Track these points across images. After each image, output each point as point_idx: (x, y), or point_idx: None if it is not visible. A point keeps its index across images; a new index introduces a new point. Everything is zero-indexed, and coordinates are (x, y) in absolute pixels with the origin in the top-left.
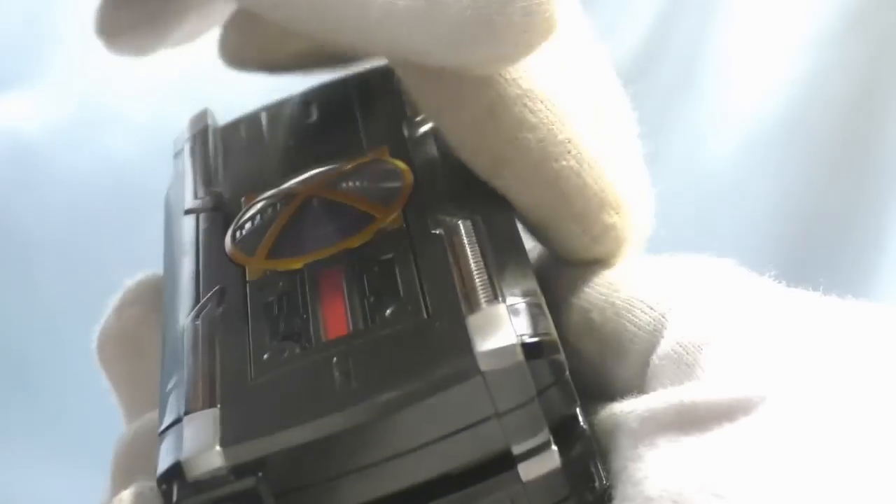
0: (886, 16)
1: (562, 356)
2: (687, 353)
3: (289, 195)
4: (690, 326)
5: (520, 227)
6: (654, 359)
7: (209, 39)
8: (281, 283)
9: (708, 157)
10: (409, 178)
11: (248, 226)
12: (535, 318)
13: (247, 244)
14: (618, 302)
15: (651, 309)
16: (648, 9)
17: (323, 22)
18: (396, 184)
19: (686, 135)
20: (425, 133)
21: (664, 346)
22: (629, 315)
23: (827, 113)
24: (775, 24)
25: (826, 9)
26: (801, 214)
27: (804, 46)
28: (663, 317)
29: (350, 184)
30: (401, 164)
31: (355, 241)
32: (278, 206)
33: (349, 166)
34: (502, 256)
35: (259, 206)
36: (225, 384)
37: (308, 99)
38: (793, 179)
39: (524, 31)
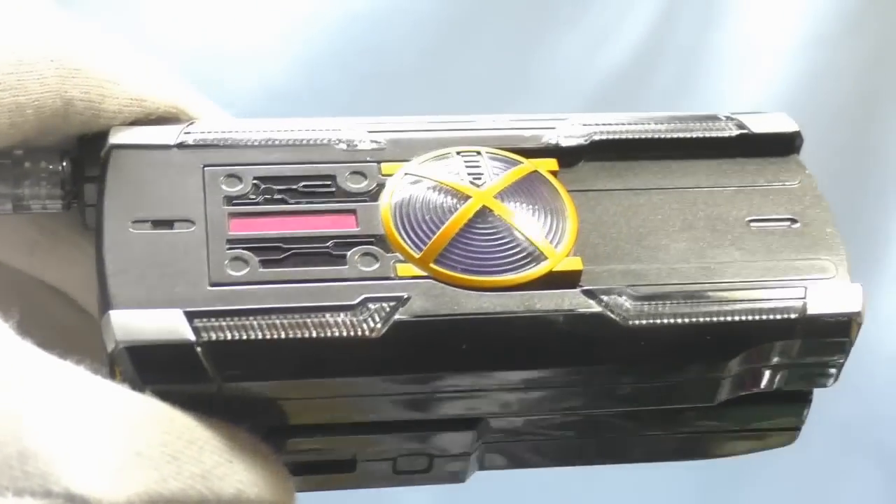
0: (886, 16)
1: None
2: None
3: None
4: None
5: None
6: None
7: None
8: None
9: None
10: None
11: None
12: None
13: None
14: None
15: None
16: (648, 9)
17: None
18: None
19: None
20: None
21: None
22: None
23: (827, 113)
24: (775, 25)
25: (826, 9)
26: None
27: (804, 46)
28: None
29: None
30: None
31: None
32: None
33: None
34: None
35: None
36: None
37: None
38: None
39: None
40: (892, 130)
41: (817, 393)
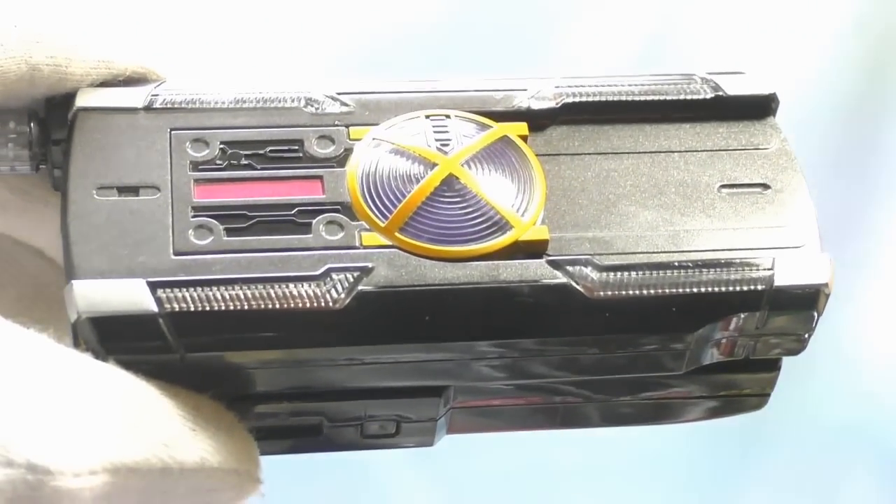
0: (886, 16)
1: None
2: None
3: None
4: None
5: None
6: None
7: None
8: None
9: None
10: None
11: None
12: None
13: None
14: None
15: None
16: (648, 10)
17: None
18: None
19: None
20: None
21: None
22: None
23: (827, 113)
24: (776, 25)
25: (826, 9)
26: None
27: (805, 46)
28: None
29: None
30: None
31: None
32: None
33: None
34: None
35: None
36: None
37: None
38: None
39: None
40: (893, 130)
41: (817, 393)
